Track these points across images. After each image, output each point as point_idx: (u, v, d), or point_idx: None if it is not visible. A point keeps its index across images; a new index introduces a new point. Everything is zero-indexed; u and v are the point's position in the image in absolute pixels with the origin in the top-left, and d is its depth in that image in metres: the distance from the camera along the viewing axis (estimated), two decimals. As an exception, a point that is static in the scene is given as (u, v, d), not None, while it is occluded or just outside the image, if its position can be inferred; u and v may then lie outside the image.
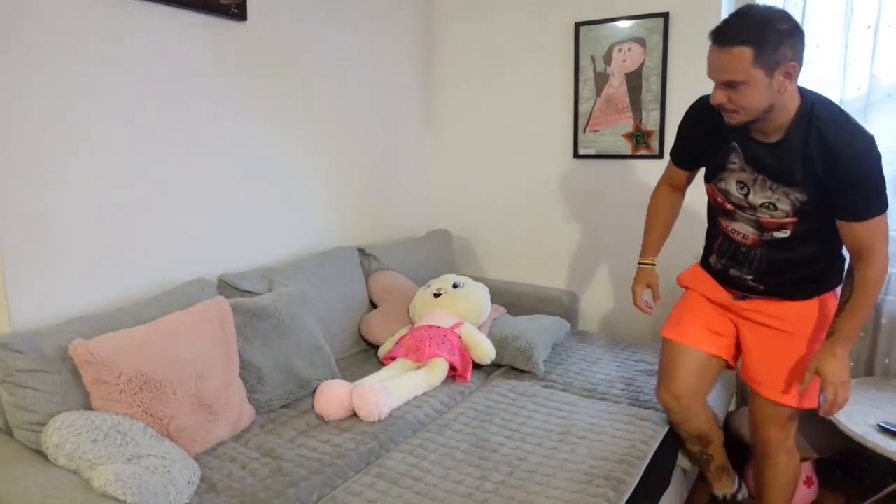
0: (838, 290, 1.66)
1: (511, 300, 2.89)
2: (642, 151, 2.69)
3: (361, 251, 2.73)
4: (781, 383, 1.70)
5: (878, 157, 1.41)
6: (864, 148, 1.39)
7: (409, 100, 3.13)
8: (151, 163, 2.03)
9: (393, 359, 2.28)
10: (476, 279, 2.84)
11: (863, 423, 1.88)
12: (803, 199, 1.52)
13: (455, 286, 2.51)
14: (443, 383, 2.19)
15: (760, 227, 1.65)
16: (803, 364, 1.67)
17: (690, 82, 2.54)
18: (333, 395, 1.93)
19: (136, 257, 2.01)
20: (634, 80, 2.65)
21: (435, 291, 2.49)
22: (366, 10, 2.81)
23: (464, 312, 2.44)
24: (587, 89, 2.77)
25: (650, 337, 2.82)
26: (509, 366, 2.35)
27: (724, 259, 1.79)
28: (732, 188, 1.66)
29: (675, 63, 2.57)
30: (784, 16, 1.36)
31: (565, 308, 2.84)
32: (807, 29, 2.23)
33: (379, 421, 1.91)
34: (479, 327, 2.48)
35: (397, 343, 2.33)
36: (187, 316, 1.82)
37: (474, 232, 3.27)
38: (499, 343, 2.37)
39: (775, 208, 1.58)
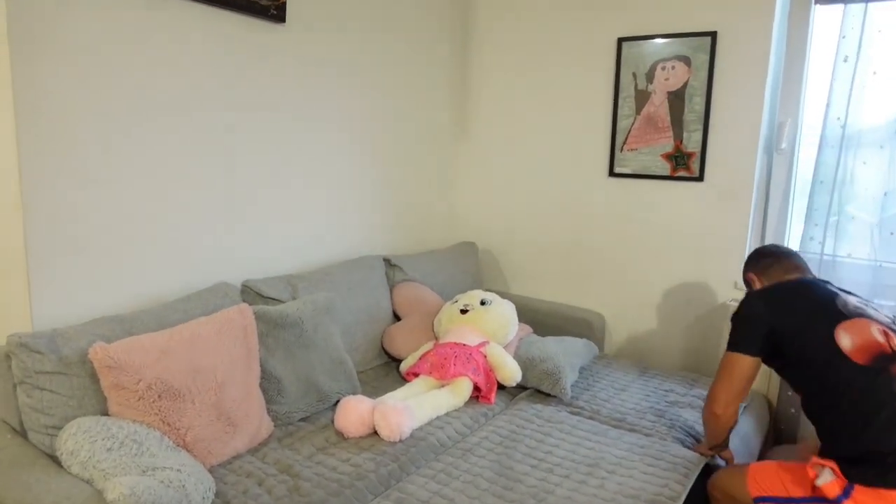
0: (856, 490, 1.47)
1: (537, 318, 2.82)
2: (681, 173, 2.60)
3: (387, 261, 2.67)
4: None
5: (745, 305, 1.72)
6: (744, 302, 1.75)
7: (443, 108, 3.08)
8: (179, 165, 1.99)
9: (415, 375, 2.22)
10: (502, 295, 2.77)
11: None
12: None
13: (483, 303, 2.44)
14: (466, 404, 2.13)
15: None
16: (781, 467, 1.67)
17: (736, 103, 2.46)
18: (355, 412, 1.87)
19: (161, 259, 1.97)
20: (677, 100, 2.57)
21: (462, 308, 2.42)
22: (404, 16, 2.76)
23: (491, 331, 2.38)
24: (627, 106, 2.70)
25: (678, 365, 2.73)
26: (535, 388, 2.28)
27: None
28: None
29: (721, 83, 2.48)
30: (753, 252, 1.94)
31: (592, 330, 2.76)
32: (863, 56, 2.14)
33: (400, 441, 1.84)
34: (506, 347, 2.40)
35: (420, 359, 2.26)
36: (210, 323, 1.77)
37: (502, 246, 3.20)
38: (525, 364, 2.30)
39: None
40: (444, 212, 3.22)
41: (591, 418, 2.10)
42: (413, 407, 1.94)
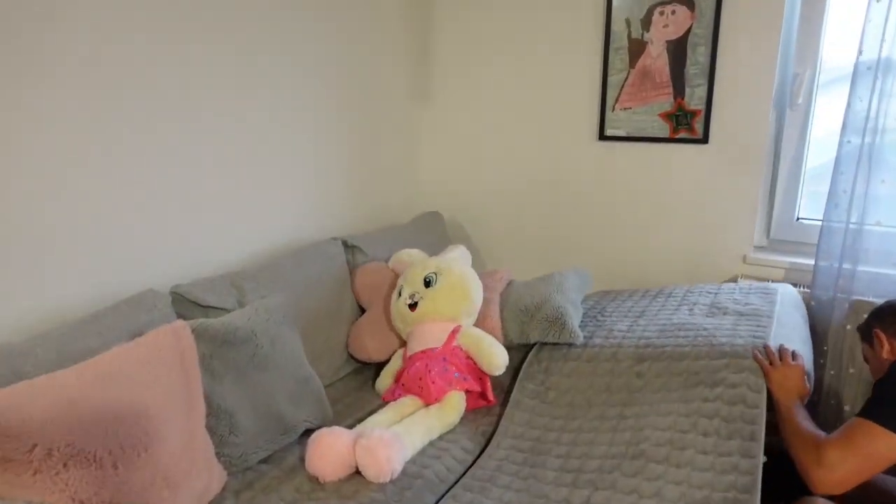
0: None
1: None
2: (683, 134, 2.29)
3: (344, 243, 2.24)
4: None
5: None
6: None
7: (401, 64, 2.63)
8: (82, 145, 1.50)
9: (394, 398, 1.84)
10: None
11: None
12: None
13: (428, 283, 1.97)
14: (462, 416, 1.77)
15: None
16: None
17: (745, 54, 2.14)
18: (331, 450, 1.48)
19: (65, 262, 1.50)
20: (678, 50, 2.24)
21: (409, 301, 1.96)
22: (355, -51, 2.29)
23: (453, 313, 1.93)
24: (619, 59, 2.34)
25: (686, 278, 2.42)
26: (539, 343, 1.94)
27: None
28: None
29: (729, 31, 2.16)
30: (881, 304, 1.62)
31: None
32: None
33: (391, 482, 1.47)
34: (484, 309, 2.01)
35: (396, 381, 1.88)
36: (135, 350, 1.32)
37: (475, 221, 2.83)
38: (520, 317, 1.96)
39: None
40: (406, 183, 2.80)
41: (613, 363, 1.77)
42: (402, 434, 1.56)
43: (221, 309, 1.67)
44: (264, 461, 1.55)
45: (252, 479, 1.48)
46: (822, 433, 1.40)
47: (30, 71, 1.39)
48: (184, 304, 1.65)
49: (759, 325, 1.76)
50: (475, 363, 1.87)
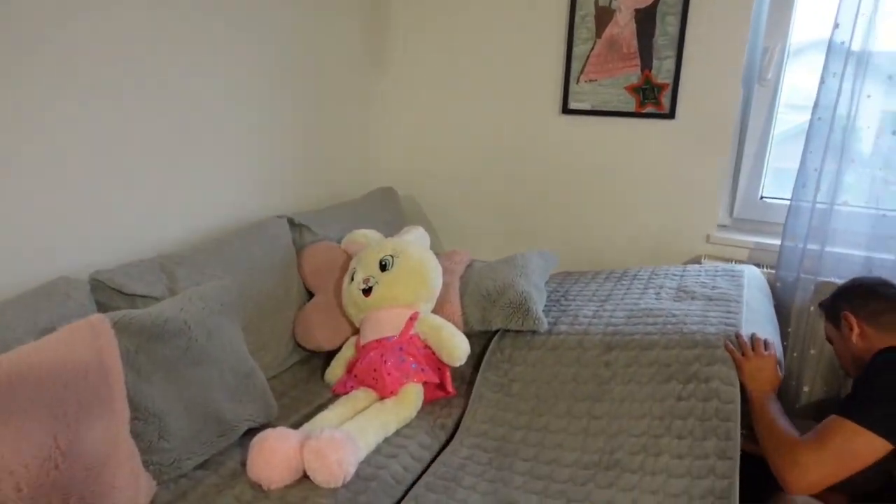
0: None
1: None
2: (649, 109, 2.19)
3: (290, 221, 2.07)
4: None
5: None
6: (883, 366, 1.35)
7: (354, 29, 2.43)
8: (-27, 98, 1.28)
9: (346, 389, 1.70)
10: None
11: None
12: None
13: (384, 267, 1.83)
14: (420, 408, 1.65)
15: None
16: None
17: (716, 25, 2.05)
18: (276, 454, 1.33)
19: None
20: (646, 19, 2.12)
21: (363, 286, 1.82)
22: None
23: (410, 298, 1.80)
24: (585, 27, 2.21)
25: (650, 256, 2.35)
26: (502, 330, 1.82)
27: None
28: None
29: (701, 0, 2.05)
30: (847, 283, 1.56)
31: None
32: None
33: (343, 487, 1.34)
34: (443, 294, 1.88)
35: (348, 372, 1.74)
36: (42, 351, 1.13)
37: (432, 198, 2.68)
38: (481, 303, 1.84)
39: None
40: (359, 157, 2.63)
41: (579, 352, 1.67)
42: (355, 434, 1.43)
43: (150, 298, 1.49)
44: (200, 467, 1.39)
45: (186, 489, 1.33)
46: (796, 433, 1.33)
47: None
48: (106, 292, 1.46)
49: (728, 311, 1.68)
50: (434, 353, 1.75)
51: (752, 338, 1.53)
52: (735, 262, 2.16)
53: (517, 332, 1.79)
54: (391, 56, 2.57)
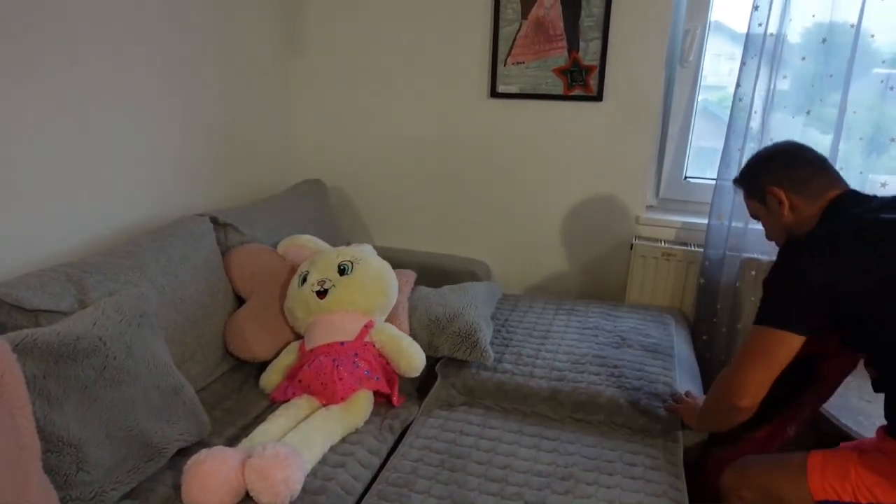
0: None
1: (410, 275, 2.28)
2: (577, 91, 2.18)
3: (214, 220, 1.92)
4: None
5: (792, 269, 1.25)
6: (785, 256, 1.30)
7: (269, 12, 2.28)
8: None
9: (286, 396, 1.59)
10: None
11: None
12: None
13: (342, 271, 1.79)
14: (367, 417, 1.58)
15: None
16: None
17: (642, 6, 2.06)
18: (214, 477, 1.22)
19: None
20: (572, 0, 2.10)
21: (317, 288, 1.75)
22: None
23: (368, 306, 1.77)
24: (511, 9, 2.17)
25: (581, 292, 2.40)
26: (447, 357, 1.78)
27: None
28: None
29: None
30: (763, 152, 1.49)
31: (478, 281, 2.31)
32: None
33: (290, 504, 1.25)
34: (394, 314, 1.84)
35: (290, 378, 1.63)
36: (-74, 386, 0.98)
37: (356, 186, 2.58)
38: (429, 328, 1.79)
39: None
40: (281, 147, 2.49)
41: (526, 392, 1.67)
42: (299, 447, 1.34)
43: (56, 312, 1.32)
44: (128, 496, 1.26)
45: (113, 523, 1.20)
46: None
47: None
48: (3, 309, 1.28)
49: (665, 367, 1.75)
50: (387, 362, 1.68)
51: (686, 393, 1.63)
52: (664, 241, 2.21)
53: (462, 361, 1.76)
54: (308, 40, 2.43)
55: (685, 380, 1.74)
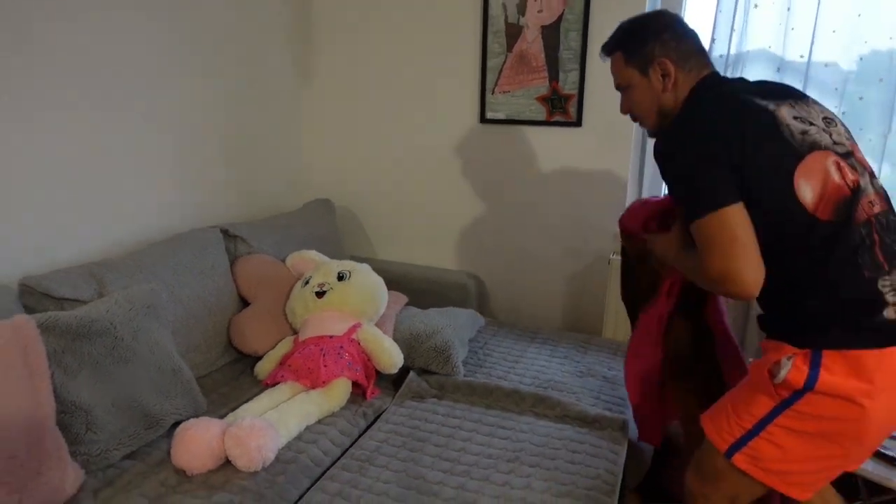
0: (824, 357, 1.17)
1: (408, 286, 2.48)
2: (558, 118, 2.37)
3: (225, 232, 2.17)
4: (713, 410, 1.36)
5: (695, 152, 1.21)
6: (680, 140, 1.25)
7: (281, 45, 2.56)
8: None
9: (275, 381, 1.80)
10: (364, 261, 2.38)
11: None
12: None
13: (341, 277, 2.05)
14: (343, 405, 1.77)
15: None
16: (730, 398, 1.33)
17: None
18: (198, 442, 1.44)
19: None
20: (552, 35, 2.31)
21: (317, 289, 2.02)
22: (224, -77, 2.19)
23: (358, 309, 2.01)
24: (497, 43, 2.38)
25: (560, 324, 2.57)
26: (422, 368, 1.97)
27: None
28: None
29: (599, 17, 2.24)
30: (652, 16, 1.40)
31: (469, 294, 2.50)
32: (747, -15, 2.01)
33: (263, 470, 1.45)
34: (380, 324, 2.06)
35: (281, 364, 1.85)
36: (-34, 349, 1.22)
37: (362, 205, 2.81)
38: (409, 341, 1.98)
39: None
40: (291, 168, 2.75)
41: (493, 390, 1.85)
42: (276, 422, 1.54)
43: (78, 301, 1.58)
44: (128, 457, 1.49)
45: (113, 477, 1.42)
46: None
47: None
48: (34, 297, 1.55)
49: (622, 397, 1.88)
50: (368, 359, 1.88)
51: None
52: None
53: (434, 373, 1.95)
54: (315, 68, 2.70)
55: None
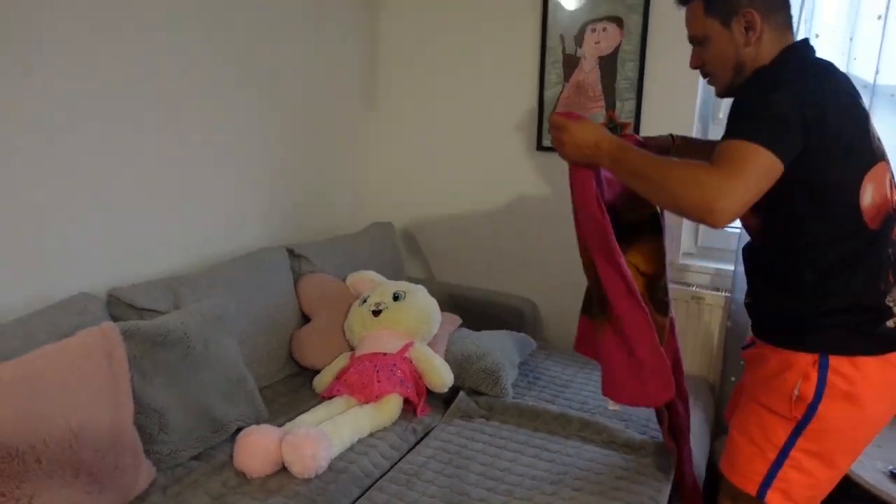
0: (837, 363, 1.21)
1: (463, 308, 2.55)
2: (615, 146, 2.40)
3: (290, 251, 2.31)
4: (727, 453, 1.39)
5: (785, 105, 1.12)
6: (766, 81, 1.18)
7: (348, 74, 2.71)
8: (14, 142, 1.55)
9: (332, 394, 1.90)
10: (421, 282, 2.46)
11: (870, 467, 1.67)
12: None
13: (396, 297, 2.14)
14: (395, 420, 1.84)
15: (744, 224, 1.42)
16: (737, 434, 1.35)
17: (671, 69, 2.26)
18: (258, 447, 1.54)
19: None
20: (609, 65, 2.35)
21: (373, 308, 2.11)
22: (300, -35, 2.36)
23: (411, 329, 2.09)
24: (555, 73, 2.45)
25: None
26: (472, 389, 2.02)
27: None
28: None
29: (655, 47, 2.28)
30: None
31: (524, 319, 2.54)
32: (809, 16, 1.99)
33: (316, 477, 1.53)
34: (433, 344, 2.12)
35: (337, 378, 1.94)
36: (61, 352, 1.37)
37: (421, 228, 2.91)
38: (460, 362, 2.04)
39: None
40: (354, 191, 2.88)
41: (540, 412, 1.88)
42: (330, 432, 1.63)
43: (157, 311, 1.72)
44: (195, 458, 1.60)
45: (181, 475, 1.53)
46: (690, 160, 1.25)
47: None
48: (120, 307, 1.70)
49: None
50: (420, 377, 1.95)
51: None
52: (696, 287, 2.33)
53: (484, 394, 1.99)
54: (379, 97, 2.83)
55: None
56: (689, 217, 1.16)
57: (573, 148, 1.35)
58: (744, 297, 1.48)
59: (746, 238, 1.87)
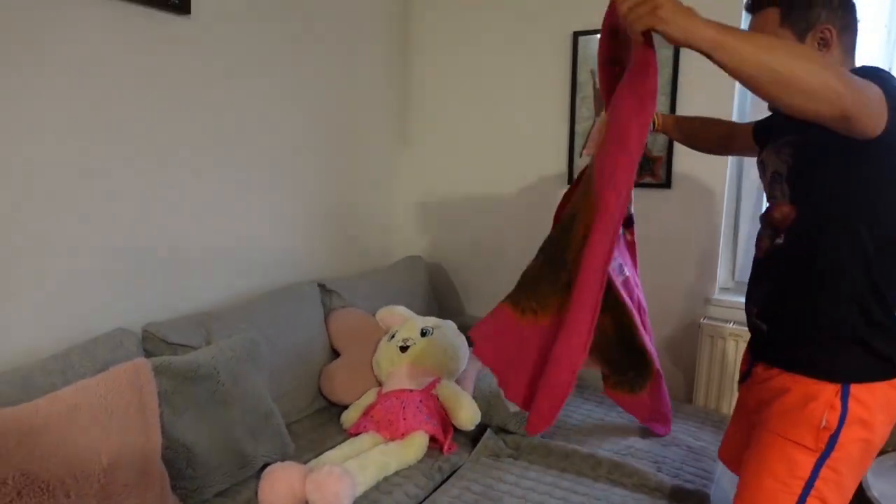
0: (857, 390, 1.19)
1: (494, 343, 2.52)
2: (647, 179, 2.37)
3: (322, 286, 2.34)
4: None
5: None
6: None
7: (381, 110, 2.77)
8: (57, 181, 1.63)
9: (358, 430, 1.90)
10: (452, 316, 2.45)
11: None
12: (791, 151, 1.24)
13: (424, 333, 2.14)
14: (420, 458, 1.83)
15: (769, 224, 1.33)
16: (757, 471, 1.28)
17: (702, 102, 2.24)
18: (282, 484, 1.55)
19: (38, 301, 1.60)
20: (639, 99, 2.33)
21: (401, 344, 2.11)
22: (332, 5, 2.44)
23: (439, 365, 2.08)
24: (585, 108, 2.45)
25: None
26: (499, 427, 1.99)
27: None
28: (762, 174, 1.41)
29: (686, 82, 2.26)
30: None
31: (555, 353, 2.50)
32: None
33: (339, 516, 1.53)
34: (462, 380, 2.11)
35: (364, 414, 1.95)
36: (94, 387, 1.41)
37: (452, 262, 2.92)
38: (488, 399, 2.02)
39: (774, 185, 1.30)
40: (386, 225, 2.91)
41: (565, 466, 1.83)
42: (354, 470, 1.63)
43: (189, 347, 1.76)
44: (220, 494, 1.62)
45: (206, 511, 1.55)
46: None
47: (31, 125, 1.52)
48: (154, 341, 1.75)
49: (705, 469, 1.82)
50: (446, 415, 1.94)
51: None
52: (733, 323, 2.26)
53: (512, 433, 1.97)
54: (411, 133, 2.88)
55: (725, 479, 1.80)
56: (822, 108, 1.02)
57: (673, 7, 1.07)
58: (750, 318, 1.40)
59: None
